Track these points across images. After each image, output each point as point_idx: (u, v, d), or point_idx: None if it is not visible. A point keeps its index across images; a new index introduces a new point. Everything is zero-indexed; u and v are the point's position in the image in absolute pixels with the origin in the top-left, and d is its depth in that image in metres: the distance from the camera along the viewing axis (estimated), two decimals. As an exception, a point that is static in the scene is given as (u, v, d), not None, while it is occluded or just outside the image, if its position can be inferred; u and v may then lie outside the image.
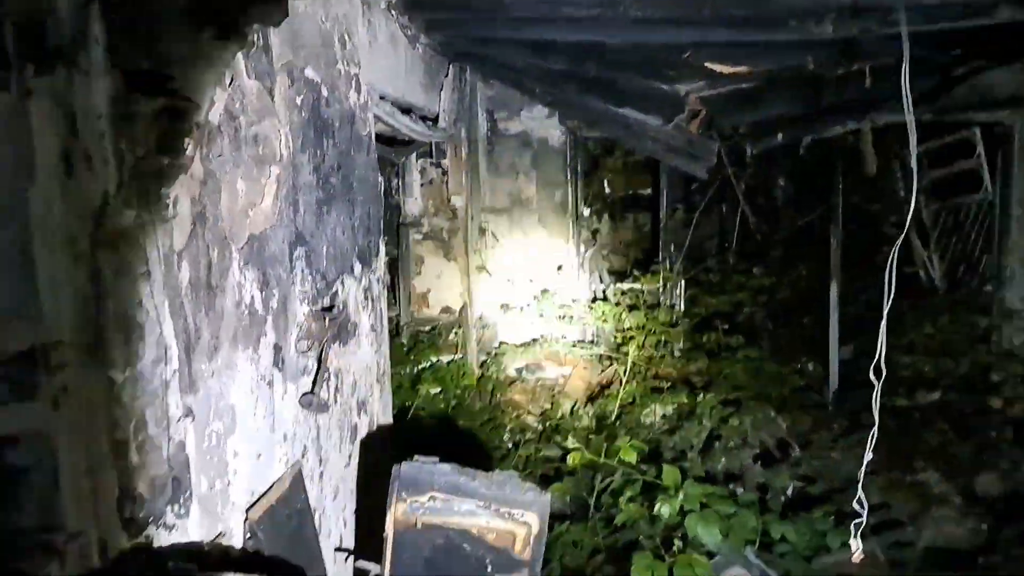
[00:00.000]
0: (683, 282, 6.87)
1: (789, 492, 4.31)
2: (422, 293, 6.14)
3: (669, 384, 6.05)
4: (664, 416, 5.78)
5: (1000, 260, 6.54)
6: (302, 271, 2.50)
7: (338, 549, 2.53)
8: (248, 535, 2.06)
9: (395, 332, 5.88)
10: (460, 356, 5.94)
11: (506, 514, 2.22)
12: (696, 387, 6.19)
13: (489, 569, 2.24)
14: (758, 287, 7.02)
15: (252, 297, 2.17)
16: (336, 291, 2.76)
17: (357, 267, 2.97)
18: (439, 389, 5.53)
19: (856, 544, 2.26)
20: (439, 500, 2.21)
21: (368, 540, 2.65)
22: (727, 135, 6.17)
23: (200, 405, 1.87)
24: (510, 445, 5.37)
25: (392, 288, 6.01)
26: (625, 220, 9.87)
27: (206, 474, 1.90)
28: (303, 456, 2.42)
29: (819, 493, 5.22)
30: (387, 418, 3.19)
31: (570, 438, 4.29)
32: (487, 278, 6.24)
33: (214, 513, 1.94)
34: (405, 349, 5.78)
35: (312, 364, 2.50)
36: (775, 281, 7.17)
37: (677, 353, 6.82)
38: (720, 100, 5.61)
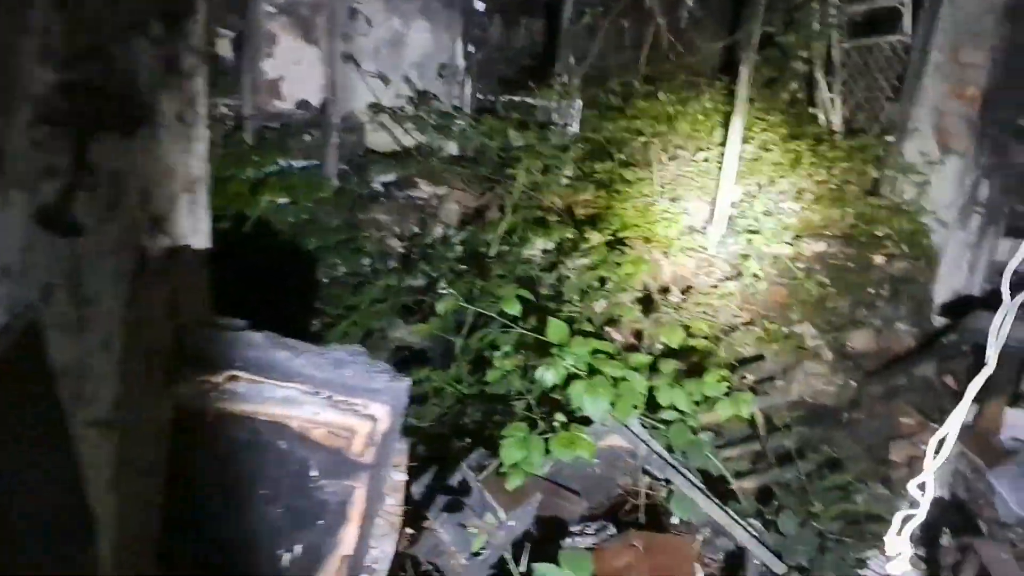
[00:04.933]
0: (580, 102, 6.14)
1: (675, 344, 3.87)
2: (273, 80, 5.08)
3: (555, 216, 5.47)
4: (545, 251, 5.24)
5: (906, 109, 6.17)
6: (46, 15, 1.60)
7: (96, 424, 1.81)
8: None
9: (236, 126, 4.89)
10: (316, 163, 5.06)
11: (343, 404, 1.57)
12: (582, 221, 5.65)
13: (315, 474, 1.62)
14: (660, 115, 6.38)
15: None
16: (115, 56, 1.87)
17: (156, 25, 2.06)
18: (287, 200, 4.68)
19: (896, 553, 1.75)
20: (244, 382, 1.51)
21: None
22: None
23: None
24: (369, 271, 4.69)
25: (235, 71, 4.93)
26: (518, 26, 8.87)
27: None
28: (47, 298, 1.64)
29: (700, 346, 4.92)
30: (201, 240, 2.40)
31: (442, 281, 3.64)
32: (354, 71, 5.26)
33: None
34: (247, 148, 4.82)
35: (63, 162, 1.66)
36: (678, 109, 6.54)
37: (565, 181, 6.21)
38: None
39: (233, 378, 1.51)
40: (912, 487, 1.54)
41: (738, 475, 3.85)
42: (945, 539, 3.68)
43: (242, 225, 4.33)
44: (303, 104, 5.18)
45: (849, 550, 3.74)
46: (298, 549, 1.75)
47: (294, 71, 5.10)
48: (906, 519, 1.36)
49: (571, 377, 2.87)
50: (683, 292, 5.76)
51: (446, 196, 5.74)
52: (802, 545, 3.26)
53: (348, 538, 1.76)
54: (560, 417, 2.73)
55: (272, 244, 4.41)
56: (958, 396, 5.13)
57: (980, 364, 4.92)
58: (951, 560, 3.41)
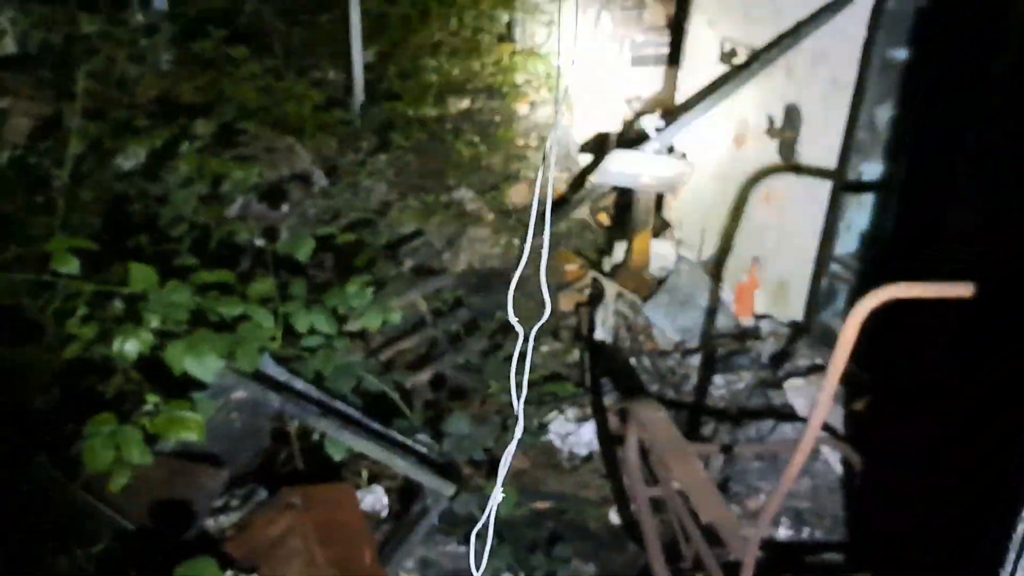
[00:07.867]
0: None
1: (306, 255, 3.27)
2: None
3: (154, 113, 4.55)
4: (152, 156, 4.35)
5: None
6: None
7: None
8: None
9: None
10: None
11: None
12: (192, 113, 4.77)
13: None
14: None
15: None
16: None
17: None
18: None
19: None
20: None
21: None
22: None
23: None
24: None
25: None
26: None
27: None
28: None
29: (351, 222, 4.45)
30: None
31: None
32: None
33: None
34: None
35: None
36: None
37: (166, 67, 5.21)
38: None
39: None
40: None
41: (409, 367, 3.56)
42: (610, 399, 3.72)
43: None
44: None
45: (531, 418, 3.68)
46: None
47: None
48: None
49: (167, 336, 2.25)
50: (328, 175, 5.21)
51: (10, 108, 4.54)
52: (477, 441, 3.08)
53: None
54: (152, 397, 2.14)
55: None
56: (612, 232, 5.22)
57: (624, 202, 4.99)
58: (616, 425, 3.45)
